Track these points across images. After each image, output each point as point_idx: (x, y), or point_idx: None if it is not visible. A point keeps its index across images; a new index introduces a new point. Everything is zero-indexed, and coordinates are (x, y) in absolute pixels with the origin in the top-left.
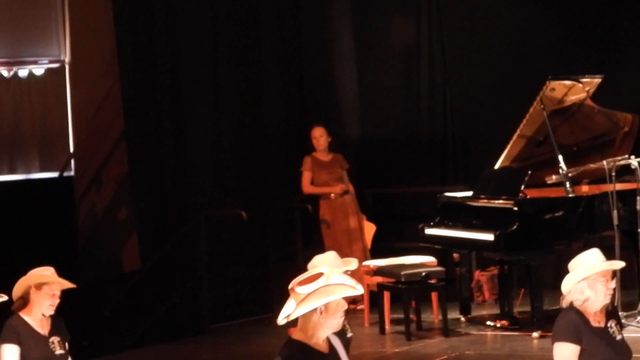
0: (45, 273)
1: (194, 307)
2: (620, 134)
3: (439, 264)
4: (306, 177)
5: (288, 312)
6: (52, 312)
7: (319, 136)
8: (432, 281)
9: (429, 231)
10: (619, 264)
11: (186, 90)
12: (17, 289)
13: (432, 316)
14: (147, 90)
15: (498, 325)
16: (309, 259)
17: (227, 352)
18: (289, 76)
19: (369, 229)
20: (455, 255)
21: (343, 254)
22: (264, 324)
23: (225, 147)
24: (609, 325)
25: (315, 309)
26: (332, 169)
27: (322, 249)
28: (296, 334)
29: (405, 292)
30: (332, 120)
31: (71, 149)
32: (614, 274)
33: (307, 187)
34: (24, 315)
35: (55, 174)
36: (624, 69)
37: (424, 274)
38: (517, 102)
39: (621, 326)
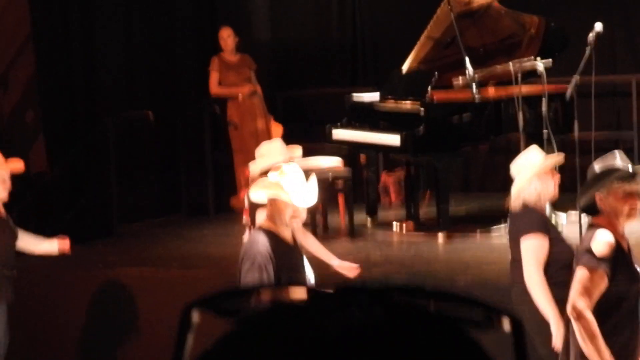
0: None
1: (102, 210)
2: (526, 36)
3: (346, 165)
4: (214, 77)
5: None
6: (5, 197)
7: (227, 37)
8: (339, 183)
9: (336, 132)
10: (561, 157)
11: None
12: None
13: (339, 218)
14: None
15: (404, 226)
16: (217, 161)
17: (134, 253)
18: None
19: (276, 130)
20: (362, 156)
21: (250, 156)
22: (173, 226)
23: (135, 49)
24: None
25: (268, 200)
26: (240, 69)
27: (230, 151)
28: (264, 223)
29: None
30: (242, 22)
31: None
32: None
33: (214, 88)
34: None
35: None
36: None
37: (331, 175)
38: (427, 3)
39: None
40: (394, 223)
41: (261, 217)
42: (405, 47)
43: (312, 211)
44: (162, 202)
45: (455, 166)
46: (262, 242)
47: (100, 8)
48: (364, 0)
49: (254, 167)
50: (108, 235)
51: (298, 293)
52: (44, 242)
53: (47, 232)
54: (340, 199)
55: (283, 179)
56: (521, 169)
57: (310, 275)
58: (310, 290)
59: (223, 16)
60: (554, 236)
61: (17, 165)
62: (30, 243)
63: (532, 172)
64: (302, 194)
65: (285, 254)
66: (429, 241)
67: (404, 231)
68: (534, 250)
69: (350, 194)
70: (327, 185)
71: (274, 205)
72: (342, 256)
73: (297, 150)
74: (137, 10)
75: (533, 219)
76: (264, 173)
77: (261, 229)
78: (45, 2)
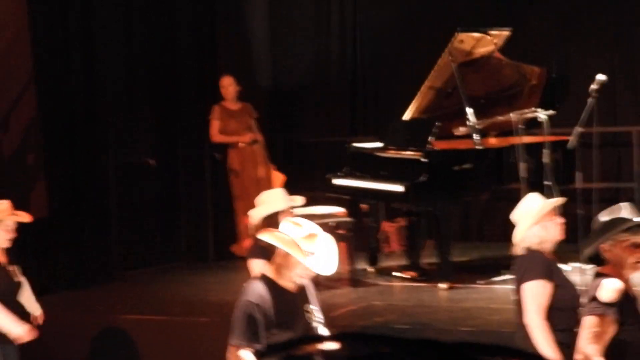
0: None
1: (102, 254)
2: (527, 87)
3: (348, 214)
4: (214, 125)
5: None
6: (9, 245)
7: (228, 85)
8: (341, 231)
9: (337, 181)
10: (561, 200)
11: (97, 35)
12: None
13: (341, 266)
14: (56, 33)
15: (406, 276)
16: (217, 207)
17: (135, 299)
18: (200, 24)
19: (278, 178)
20: (364, 206)
21: (251, 203)
22: (173, 271)
23: (137, 94)
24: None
25: (279, 251)
26: (241, 117)
27: (230, 198)
28: (269, 272)
29: None
30: (243, 68)
31: None
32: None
33: (215, 136)
34: None
35: None
36: (532, 22)
37: (333, 224)
38: (426, 53)
39: None
40: (396, 272)
41: (257, 266)
42: (404, 95)
43: None
44: (162, 247)
45: (455, 215)
46: (254, 291)
47: (101, 56)
48: (365, 49)
49: (255, 215)
50: (108, 280)
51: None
52: (32, 306)
53: (46, 274)
54: (342, 247)
55: (310, 244)
56: (522, 215)
57: (320, 320)
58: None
59: (224, 62)
60: (558, 281)
61: (24, 216)
62: (25, 300)
63: (533, 218)
64: (325, 262)
65: (287, 303)
66: (430, 290)
67: (406, 280)
68: (535, 294)
69: (353, 242)
70: (330, 233)
71: (285, 260)
72: (344, 304)
73: (298, 199)
74: (139, 53)
75: (536, 264)
76: (266, 220)
77: (261, 278)
78: (49, 43)
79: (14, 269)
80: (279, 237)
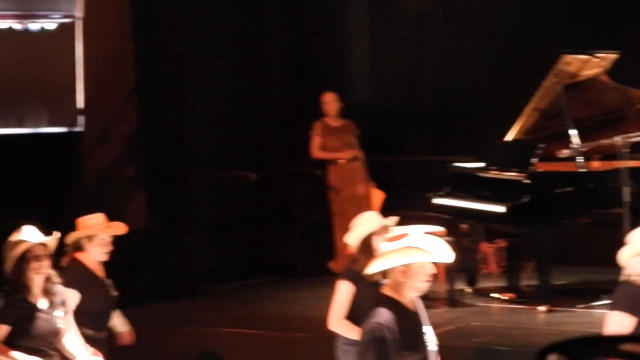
0: (94, 221)
1: (194, 268)
2: (632, 111)
3: (447, 234)
4: (315, 141)
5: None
6: (106, 258)
7: (330, 101)
8: None
9: (437, 201)
10: None
11: (190, 52)
12: (70, 241)
13: (438, 286)
14: (157, 48)
15: (504, 297)
16: (314, 223)
17: (231, 313)
18: (291, 38)
19: (377, 196)
20: (463, 226)
21: (349, 221)
22: (265, 286)
23: (228, 109)
24: None
25: (397, 268)
26: (342, 134)
27: (329, 215)
28: (386, 290)
29: None
30: (342, 86)
31: (80, 105)
32: None
33: (316, 152)
34: (82, 259)
35: (64, 129)
36: (638, 45)
37: None
38: (517, 75)
39: None
40: (494, 293)
41: (343, 289)
42: (495, 115)
43: None
44: (252, 262)
45: (556, 238)
46: (382, 314)
47: (195, 68)
48: (455, 69)
49: (351, 239)
50: (197, 294)
51: None
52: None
53: (139, 288)
54: (440, 267)
55: (413, 242)
56: (631, 240)
57: (432, 341)
58: None
59: (321, 77)
60: None
61: (120, 228)
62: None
63: (636, 250)
64: (440, 251)
65: (411, 322)
66: (529, 312)
67: (504, 301)
68: (614, 327)
69: (451, 262)
70: None
71: (405, 273)
72: (441, 324)
73: (391, 219)
74: (228, 69)
75: (624, 296)
76: (363, 243)
77: (383, 299)
78: (150, 55)
79: (110, 283)
80: (390, 255)
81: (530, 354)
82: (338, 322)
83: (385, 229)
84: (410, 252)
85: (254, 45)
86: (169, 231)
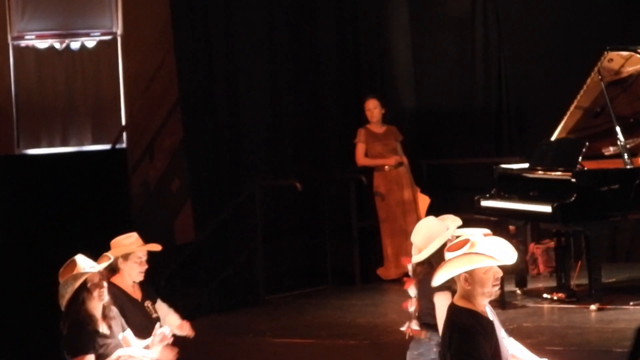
0: (128, 240)
1: (248, 278)
2: None
3: (494, 236)
4: (360, 149)
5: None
6: (142, 278)
7: (373, 108)
8: None
9: (485, 203)
10: None
11: (241, 59)
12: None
13: None
14: (201, 59)
15: (555, 297)
16: (363, 230)
17: (283, 322)
18: (343, 46)
19: (423, 201)
20: (511, 227)
21: (397, 226)
22: (319, 295)
23: (281, 117)
24: None
25: (461, 276)
26: (386, 140)
27: (376, 221)
28: (457, 300)
29: None
30: (387, 91)
31: (123, 121)
32: None
33: (360, 159)
34: (117, 282)
35: (107, 146)
36: None
37: None
38: (572, 73)
39: None
40: (545, 294)
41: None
42: (550, 115)
43: None
44: (307, 271)
45: (605, 236)
46: (476, 324)
47: (246, 76)
48: (509, 68)
49: (418, 260)
50: (255, 305)
51: None
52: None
53: (193, 299)
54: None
55: (476, 248)
56: None
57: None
58: None
59: (367, 84)
60: None
61: (154, 246)
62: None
63: None
64: (503, 252)
65: (490, 332)
66: (581, 311)
67: (555, 301)
68: None
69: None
70: None
71: (473, 279)
72: None
73: (454, 220)
74: (283, 78)
75: None
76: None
77: (461, 310)
78: (192, 68)
79: (149, 305)
80: (452, 264)
81: (584, 352)
82: None
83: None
84: (472, 259)
85: (303, 54)
86: (217, 244)
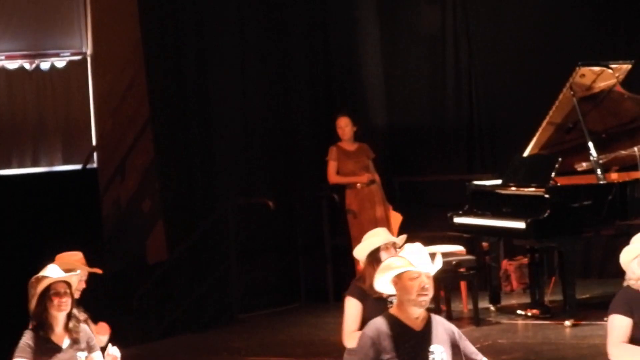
0: (73, 258)
1: (222, 297)
2: None
3: (468, 253)
4: (332, 166)
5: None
6: (77, 297)
7: (344, 126)
8: (462, 270)
9: (458, 220)
10: None
11: (212, 77)
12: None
13: (461, 306)
14: (172, 78)
15: (529, 314)
16: (336, 248)
17: (257, 341)
18: (315, 64)
19: (395, 219)
20: (485, 244)
21: None
22: (293, 313)
23: (252, 136)
24: None
25: (396, 285)
26: (358, 158)
27: (348, 239)
28: (393, 309)
29: (436, 281)
30: (358, 109)
31: (94, 141)
32: None
33: (332, 177)
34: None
35: (78, 166)
36: None
37: (454, 262)
38: (542, 89)
39: None
40: (519, 310)
41: (350, 306)
42: (522, 131)
43: (434, 298)
44: (281, 289)
45: (578, 251)
46: (374, 326)
47: (218, 94)
48: (480, 84)
49: (358, 254)
50: (229, 323)
51: None
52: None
53: (167, 319)
54: (463, 286)
55: (402, 253)
56: (633, 242)
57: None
58: None
59: (338, 101)
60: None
61: (97, 270)
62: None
63: (633, 254)
64: (425, 261)
65: (408, 342)
66: (556, 328)
67: (530, 318)
68: (611, 329)
69: (474, 281)
70: (450, 272)
71: (400, 285)
72: None
73: (401, 237)
74: (254, 96)
75: (620, 299)
76: (369, 257)
77: (385, 315)
78: (162, 87)
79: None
80: (381, 268)
81: None
82: (353, 337)
83: (392, 245)
84: (396, 265)
85: (275, 71)
86: (190, 263)
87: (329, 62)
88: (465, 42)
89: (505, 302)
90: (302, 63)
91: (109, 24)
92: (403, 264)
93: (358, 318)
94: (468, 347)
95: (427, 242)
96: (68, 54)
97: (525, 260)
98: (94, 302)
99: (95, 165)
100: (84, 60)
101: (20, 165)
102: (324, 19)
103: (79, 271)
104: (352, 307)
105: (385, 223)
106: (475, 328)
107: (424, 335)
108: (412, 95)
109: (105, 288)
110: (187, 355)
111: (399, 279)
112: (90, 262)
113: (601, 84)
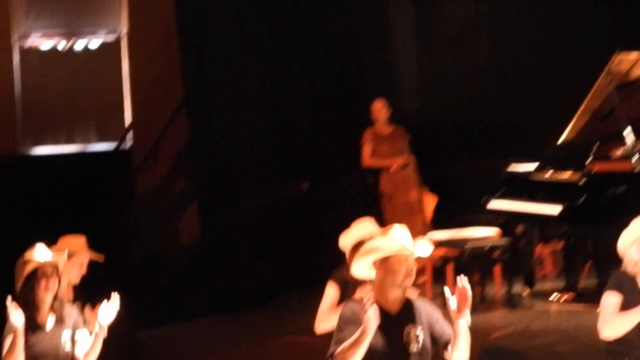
0: (76, 242)
1: (255, 278)
2: None
3: (502, 236)
4: (366, 149)
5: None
6: (77, 282)
7: (380, 109)
8: (496, 254)
9: (493, 203)
10: None
11: (241, 63)
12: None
13: (495, 289)
14: (205, 60)
15: (563, 298)
16: None
17: (290, 320)
18: (349, 48)
19: (430, 201)
20: (519, 228)
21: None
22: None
23: (288, 119)
24: None
25: (376, 264)
26: (393, 141)
27: (382, 222)
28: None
29: (469, 264)
30: (393, 94)
31: (128, 121)
32: None
33: (366, 160)
34: None
35: (112, 146)
36: None
37: (488, 246)
38: (575, 77)
39: None
40: (552, 295)
41: (330, 291)
42: (557, 118)
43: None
44: (313, 271)
45: (613, 237)
46: (350, 309)
47: (244, 80)
48: (514, 72)
49: (344, 242)
50: (261, 304)
51: None
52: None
53: (200, 300)
54: (497, 270)
55: (390, 236)
56: (631, 227)
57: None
58: None
59: (369, 86)
60: (631, 298)
61: (99, 257)
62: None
63: (631, 237)
64: (416, 245)
65: (382, 324)
66: (589, 312)
67: (563, 302)
68: (603, 306)
69: (508, 265)
70: (484, 256)
71: (385, 267)
72: (501, 327)
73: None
74: (289, 78)
75: (613, 278)
76: (355, 249)
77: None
78: (199, 69)
79: (80, 306)
80: (365, 250)
81: (593, 354)
82: (324, 322)
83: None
84: (386, 248)
85: (306, 57)
86: (224, 243)
87: (363, 46)
88: (497, 31)
89: (539, 286)
90: (335, 50)
91: (145, 3)
92: (394, 245)
93: (334, 305)
94: (446, 332)
95: (460, 225)
96: (103, 33)
97: (560, 245)
98: (124, 282)
99: (128, 145)
100: (117, 41)
101: (54, 142)
102: (360, 7)
103: (65, 253)
104: (330, 294)
105: (420, 206)
106: (509, 312)
107: (400, 317)
108: (445, 81)
109: (138, 269)
110: (218, 337)
111: (385, 261)
112: (120, 244)
113: (637, 72)
